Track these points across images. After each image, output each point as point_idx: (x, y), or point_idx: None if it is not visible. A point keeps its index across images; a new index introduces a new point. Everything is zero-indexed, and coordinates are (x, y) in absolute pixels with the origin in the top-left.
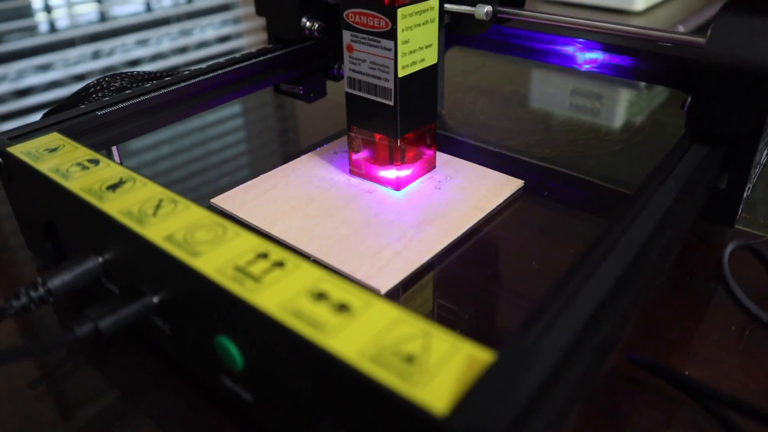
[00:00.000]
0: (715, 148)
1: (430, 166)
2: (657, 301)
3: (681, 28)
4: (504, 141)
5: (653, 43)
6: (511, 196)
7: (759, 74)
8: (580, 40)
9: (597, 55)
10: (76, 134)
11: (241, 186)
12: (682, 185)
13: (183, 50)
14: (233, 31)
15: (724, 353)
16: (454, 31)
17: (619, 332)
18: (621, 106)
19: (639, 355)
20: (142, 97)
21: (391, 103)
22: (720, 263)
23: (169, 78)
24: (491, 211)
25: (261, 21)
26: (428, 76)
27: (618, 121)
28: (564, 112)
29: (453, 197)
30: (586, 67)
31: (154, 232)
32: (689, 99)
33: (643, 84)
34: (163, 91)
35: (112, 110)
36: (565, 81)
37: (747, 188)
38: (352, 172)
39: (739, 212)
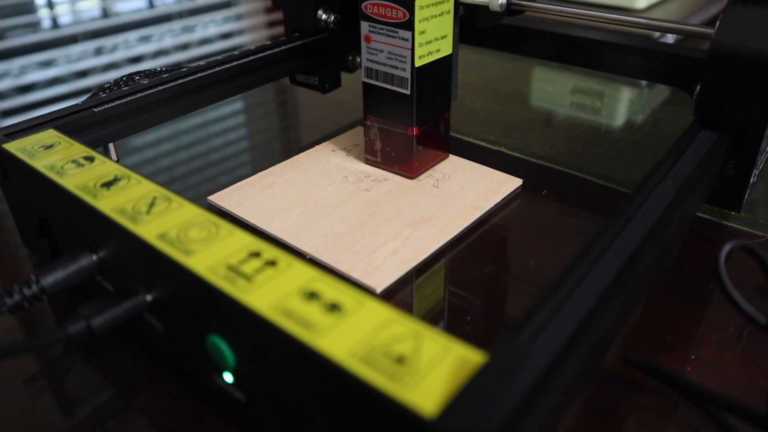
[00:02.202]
0: (722, 135)
1: (444, 154)
2: (654, 302)
3: None
4: (503, 139)
5: (655, 41)
6: (510, 194)
7: (766, 63)
8: (582, 37)
9: (599, 53)
10: (72, 131)
11: (238, 183)
12: (688, 174)
13: (185, 47)
14: (235, 28)
15: (722, 355)
16: (469, 22)
17: (614, 333)
18: (622, 105)
19: (636, 356)
20: (140, 94)
21: (408, 92)
22: (716, 264)
23: (166, 74)
24: (489, 210)
25: (263, 18)
26: (443, 66)
27: (618, 119)
28: (564, 110)
29: (451, 195)
30: (588, 65)
31: (148, 230)
32: (698, 87)
33: (644, 82)
34: (160, 87)
35: (110, 107)
36: (565, 79)
37: (753, 174)
38: (366, 161)
39: (746, 197)
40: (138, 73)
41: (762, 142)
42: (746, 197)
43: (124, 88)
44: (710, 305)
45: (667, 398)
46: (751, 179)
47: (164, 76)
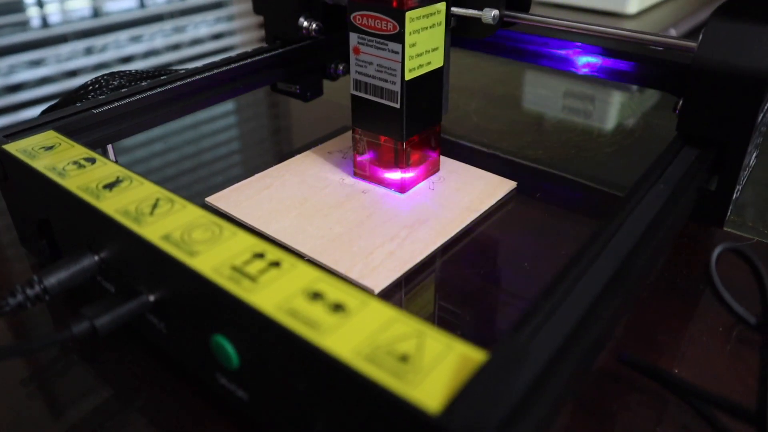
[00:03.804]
0: (705, 151)
1: (434, 168)
2: (646, 302)
3: (673, 32)
4: (497, 142)
5: (645, 46)
6: (504, 197)
7: (749, 78)
8: (575, 43)
9: (590, 59)
10: (72, 132)
11: (235, 185)
12: (672, 187)
13: (176, 47)
14: (227, 29)
15: (712, 354)
16: (460, 34)
17: (608, 332)
18: (612, 109)
19: (628, 355)
20: (138, 96)
21: (398, 105)
22: (707, 266)
23: (164, 77)
24: (484, 212)
25: (254, 19)
26: (434, 79)
27: (609, 123)
28: (556, 114)
29: (446, 198)
30: (581, 70)
31: (151, 232)
32: (680, 102)
33: (634, 87)
34: (159, 89)
35: (109, 108)
36: (558, 83)
37: (736, 190)
38: (356, 174)
39: (729, 213)
40: (116, 73)
41: (745, 158)
42: (729, 213)
43: (121, 91)
44: (700, 306)
45: (659, 396)
46: (734, 194)
47: (162, 78)
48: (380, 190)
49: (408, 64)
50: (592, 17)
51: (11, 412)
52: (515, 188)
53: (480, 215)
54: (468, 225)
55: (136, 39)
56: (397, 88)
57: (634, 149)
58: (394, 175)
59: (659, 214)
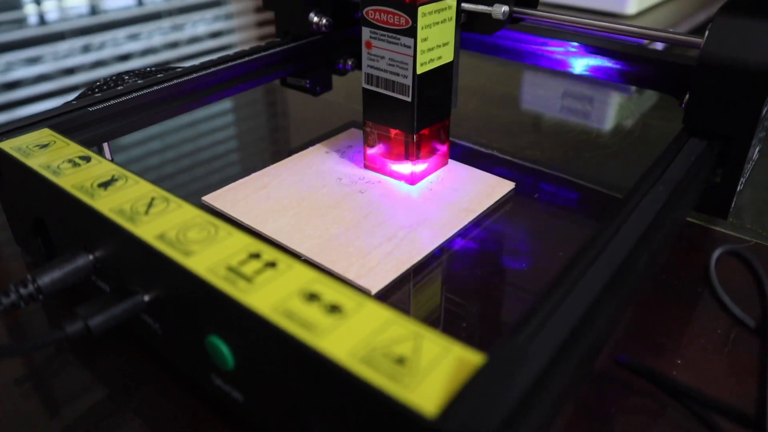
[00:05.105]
0: (710, 144)
1: (443, 161)
2: (645, 305)
3: None
4: (495, 143)
5: (645, 48)
6: (502, 197)
7: (754, 73)
8: (574, 43)
9: (589, 59)
10: (67, 130)
11: (232, 184)
12: (676, 182)
13: (174, 45)
14: (225, 27)
15: (710, 356)
16: (470, 30)
17: (607, 335)
18: (611, 110)
19: (626, 357)
20: (135, 94)
21: (409, 99)
22: (707, 268)
23: (161, 75)
24: (482, 213)
25: (252, 17)
26: (444, 74)
27: (608, 124)
28: (555, 114)
29: (444, 198)
30: (580, 71)
31: (146, 231)
32: (687, 96)
33: (633, 88)
34: (156, 87)
35: (105, 106)
36: (556, 84)
37: (740, 182)
38: (366, 167)
39: (732, 205)
40: (128, 72)
41: (749, 151)
42: (733, 205)
43: (118, 88)
44: (698, 309)
45: (657, 399)
46: (738, 187)
47: (159, 76)
48: (378, 190)
49: (420, 58)
50: (591, 18)
51: (5, 413)
52: (513, 189)
53: (478, 216)
54: (466, 225)
55: (134, 37)
56: (408, 81)
57: (632, 150)
58: (405, 168)
59: (662, 210)
